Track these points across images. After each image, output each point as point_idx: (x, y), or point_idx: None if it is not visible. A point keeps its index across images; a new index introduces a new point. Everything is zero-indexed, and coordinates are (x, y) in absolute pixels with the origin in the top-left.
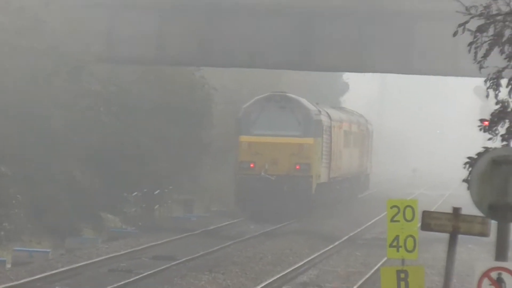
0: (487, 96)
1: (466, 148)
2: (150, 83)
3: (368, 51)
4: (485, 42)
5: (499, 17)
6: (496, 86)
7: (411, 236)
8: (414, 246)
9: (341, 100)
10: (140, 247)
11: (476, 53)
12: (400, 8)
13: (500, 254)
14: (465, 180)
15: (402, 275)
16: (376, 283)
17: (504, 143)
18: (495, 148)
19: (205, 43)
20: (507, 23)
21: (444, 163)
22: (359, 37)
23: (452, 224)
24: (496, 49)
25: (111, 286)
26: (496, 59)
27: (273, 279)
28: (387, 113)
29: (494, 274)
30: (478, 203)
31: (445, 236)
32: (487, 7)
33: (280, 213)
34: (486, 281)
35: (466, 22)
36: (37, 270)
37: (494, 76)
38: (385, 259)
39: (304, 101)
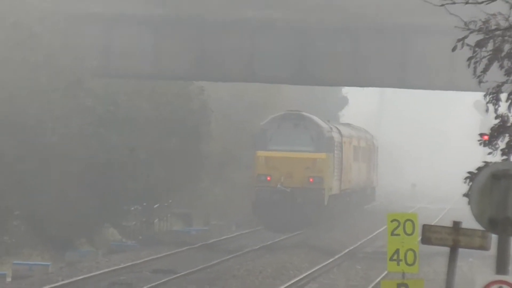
0: (487, 110)
1: (466, 163)
2: (146, 96)
3: (364, 66)
4: (484, 57)
5: (498, 32)
6: (495, 101)
7: (412, 249)
8: (415, 260)
9: (340, 114)
10: (140, 261)
11: (475, 68)
12: (396, 23)
13: (501, 267)
14: (465, 195)
15: None
16: None
17: (504, 157)
18: (495, 163)
19: (201, 57)
20: (506, 38)
21: (443, 177)
22: (356, 51)
23: (452, 238)
24: (495, 64)
25: None
26: (495, 74)
27: None
28: (386, 127)
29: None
30: (478, 217)
31: (446, 249)
32: (486, 22)
33: (295, 223)
34: None
35: (466, 37)
36: (37, 283)
37: (494, 91)
38: (385, 272)
39: (316, 119)
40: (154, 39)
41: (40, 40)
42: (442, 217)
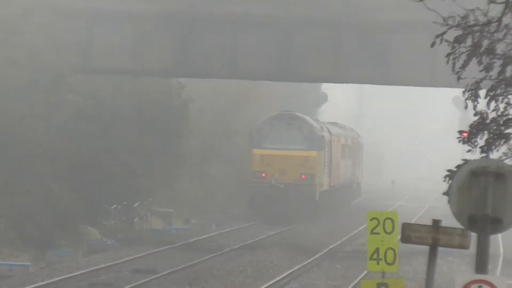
0: (466, 107)
1: (445, 159)
2: (127, 93)
3: (345, 62)
4: (463, 53)
5: (476, 28)
6: (474, 97)
7: (391, 248)
8: (394, 259)
9: (319, 111)
10: (120, 260)
11: (454, 64)
12: (377, 19)
13: (480, 266)
14: (445, 193)
15: None
16: None
17: (483, 155)
18: (474, 160)
19: (183, 53)
20: (484, 33)
21: (422, 174)
22: (338, 47)
23: (432, 236)
24: (474, 60)
25: None
26: (474, 70)
27: None
28: (366, 124)
29: (474, 287)
30: (457, 215)
31: (425, 248)
32: (465, 17)
33: (288, 217)
34: None
35: (444, 33)
36: (18, 284)
37: (473, 87)
38: (365, 272)
39: (308, 119)
40: (136, 35)
41: (22, 36)
42: (421, 215)
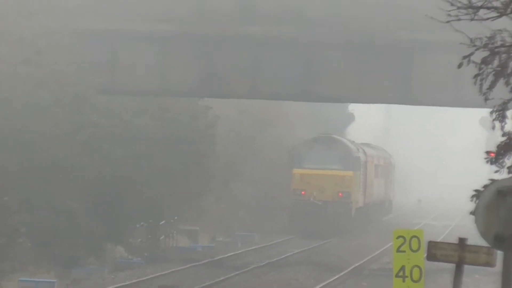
0: (493, 127)
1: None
2: (152, 113)
3: (369, 82)
4: (490, 73)
5: (503, 49)
6: (502, 118)
7: (417, 266)
8: (420, 276)
9: (347, 131)
10: (146, 277)
11: (481, 84)
12: (401, 39)
13: (506, 284)
14: (472, 213)
15: None
16: None
17: (511, 175)
18: (501, 179)
19: (205, 74)
20: (511, 54)
21: (449, 194)
22: (361, 67)
23: (458, 255)
24: (501, 81)
25: None
26: (501, 90)
27: None
28: (392, 144)
29: None
30: (484, 234)
31: (451, 266)
32: (491, 38)
33: (325, 232)
34: None
35: (471, 54)
36: None
37: (500, 108)
38: None
39: (345, 140)
40: (159, 56)
41: (45, 57)
42: (447, 234)
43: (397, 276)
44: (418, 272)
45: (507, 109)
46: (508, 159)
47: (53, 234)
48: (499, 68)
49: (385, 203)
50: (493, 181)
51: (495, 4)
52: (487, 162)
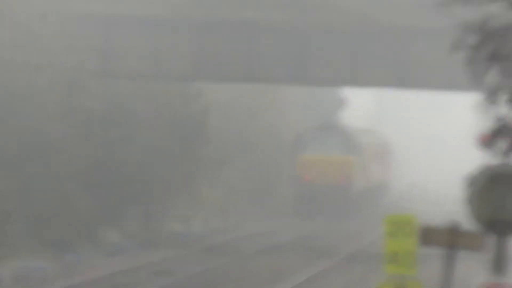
0: (487, 112)
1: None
2: (145, 97)
3: (363, 66)
4: (483, 57)
5: (496, 33)
6: (495, 103)
7: (410, 251)
8: (413, 262)
9: (339, 116)
10: (139, 263)
11: (474, 69)
12: (395, 24)
13: (498, 269)
14: (465, 198)
15: None
16: None
17: (503, 160)
18: (493, 165)
19: (200, 58)
20: (504, 39)
21: (441, 178)
22: (355, 52)
23: (450, 239)
24: (495, 65)
25: None
26: (494, 75)
27: None
28: (385, 129)
29: None
30: (476, 219)
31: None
32: (484, 22)
33: (327, 213)
34: None
35: (465, 38)
36: (37, 285)
37: (493, 93)
38: (384, 275)
39: (346, 127)
40: (154, 40)
41: (39, 40)
42: (440, 219)
43: (389, 261)
44: (410, 257)
45: (500, 93)
46: (500, 144)
47: (46, 219)
48: (492, 53)
49: (382, 186)
50: (485, 166)
51: None
52: (479, 147)
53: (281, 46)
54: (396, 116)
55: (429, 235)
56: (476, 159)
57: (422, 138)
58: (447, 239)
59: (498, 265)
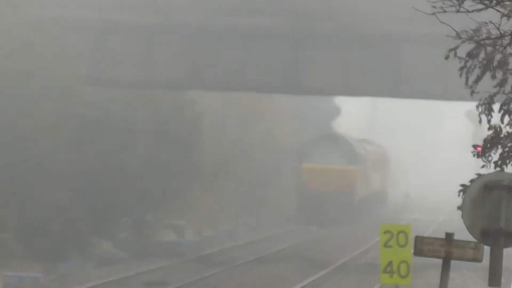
0: (480, 121)
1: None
2: (138, 105)
3: (356, 75)
4: (476, 66)
5: (489, 41)
6: (488, 111)
7: (405, 261)
8: (408, 272)
9: (332, 125)
10: (131, 273)
11: (467, 78)
12: (388, 32)
13: (493, 279)
14: (459, 208)
15: None
16: None
17: (497, 169)
18: (487, 173)
19: (193, 65)
20: (497, 47)
21: (436, 188)
22: (347, 60)
23: (445, 250)
24: (488, 74)
25: None
26: (487, 84)
27: None
28: (378, 138)
29: None
30: (470, 229)
31: (439, 261)
32: (477, 30)
33: (330, 220)
34: None
35: (457, 47)
36: None
37: (486, 102)
38: (378, 285)
39: (348, 138)
40: (146, 47)
41: (32, 48)
42: (435, 229)
43: (384, 271)
44: (405, 267)
45: (493, 102)
46: (494, 153)
47: (37, 228)
48: (485, 61)
49: (382, 194)
50: (479, 175)
51: None
52: (474, 156)
53: (274, 54)
54: (391, 123)
55: (424, 245)
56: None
57: (417, 146)
58: (442, 250)
59: (493, 275)
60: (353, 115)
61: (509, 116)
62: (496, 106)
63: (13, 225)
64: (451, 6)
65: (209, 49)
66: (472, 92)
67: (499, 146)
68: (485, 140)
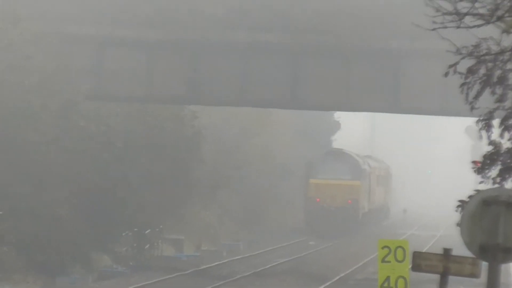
0: (480, 137)
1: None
2: (139, 120)
3: (356, 90)
4: (476, 81)
5: (488, 57)
6: (488, 127)
7: (402, 277)
8: (405, 287)
9: (332, 139)
10: (131, 287)
11: (467, 93)
12: (388, 47)
13: None
14: (458, 224)
15: None
16: None
17: (496, 185)
18: (485, 189)
19: (193, 81)
20: (497, 63)
21: (434, 203)
22: (347, 76)
23: (442, 265)
24: (487, 90)
25: None
26: (487, 99)
27: None
28: (378, 152)
29: None
30: (468, 244)
31: (436, 277)
32: (477, 46)
33: (337, 233)
34: None
35: (457, 62)
36: None
37: (486, 117)
38: None
39: (354, 154)
40: (147, 62)
41: (33, 62)
42: (432, 244)
43: (382, 286)
44: (403, 282)
45: (493, 118)
46: (493, 169)
47: (37, 243)
48: (485, 77)
49: (384, 208)
50: (477, 191)
51: (481, 11)
52: (474, 171)
53: (274, 69)
54: (390, 138)
55: (421, 261)
56: (470, 183)
57: (416, 161)
58: (439, 265)
59: None
60: (352, 130)
61: (508, 132)
62: (496, 122)
63: (13, 239)
64: (452, 21)
65: (209, 64)
66: (472, 108)
67: (498, 162)
68: (484, 156)
